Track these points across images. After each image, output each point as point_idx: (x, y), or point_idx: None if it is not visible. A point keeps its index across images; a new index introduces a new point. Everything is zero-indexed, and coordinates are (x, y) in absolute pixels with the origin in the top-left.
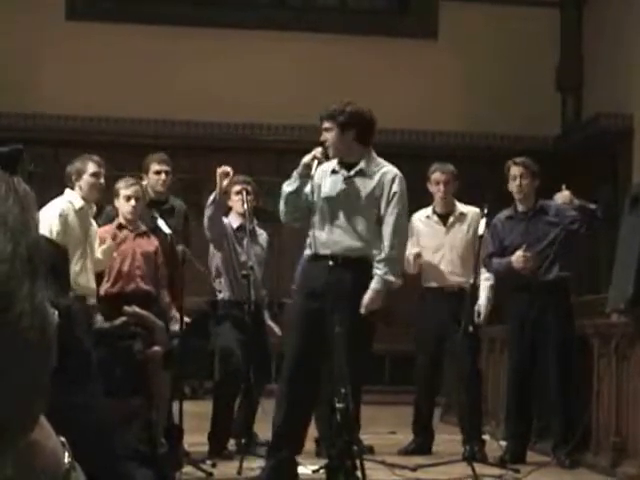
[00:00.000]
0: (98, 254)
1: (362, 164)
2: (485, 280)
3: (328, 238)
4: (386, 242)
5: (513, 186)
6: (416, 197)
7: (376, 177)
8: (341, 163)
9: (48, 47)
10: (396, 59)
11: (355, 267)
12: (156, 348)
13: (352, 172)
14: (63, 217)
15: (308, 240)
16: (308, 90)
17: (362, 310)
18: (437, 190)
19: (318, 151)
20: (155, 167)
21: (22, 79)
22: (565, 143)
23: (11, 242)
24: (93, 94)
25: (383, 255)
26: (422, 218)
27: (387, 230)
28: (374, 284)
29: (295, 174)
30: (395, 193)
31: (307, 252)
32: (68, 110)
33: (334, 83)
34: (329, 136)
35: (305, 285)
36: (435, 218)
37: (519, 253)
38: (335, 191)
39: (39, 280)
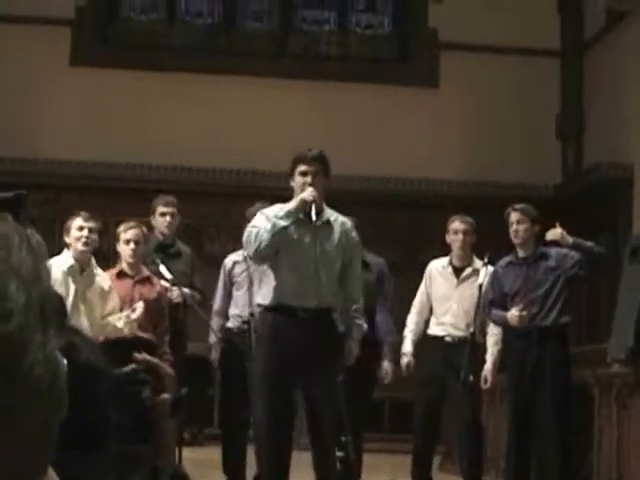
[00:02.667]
0: (116, 323)
1: (326, 212)
2: (493, 345)
3: (297, 288)
4: (356, 292)
5: (511, 232)
6: (414, 246)
7: (337, 226)
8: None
9: (52, 92)
10: (397, 107)
11: (325, 318)
12: (165, 396)
13: (319, 221)
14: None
15: (266, 288)
16: (309, 137)
17: (350, 361)
18: (455, 239)
19: (314, 191)
20: (160, 209)
21: (25, 124)
22: (565, 192)
23: (24, 292)
24: (95, 139)
25: (359, 305)
26: (438, 267)
27: (354, 279)
28: (357, 334)
29: (292, 210)
30: (358, 242)
31: (269, 300)
32: (71, 155)
33: (336, 130)
34: (318, 181)
35: (273, 338)
36: (449, 270)
37: (514, 312)
38: (305, 239)
39: (50, 329)
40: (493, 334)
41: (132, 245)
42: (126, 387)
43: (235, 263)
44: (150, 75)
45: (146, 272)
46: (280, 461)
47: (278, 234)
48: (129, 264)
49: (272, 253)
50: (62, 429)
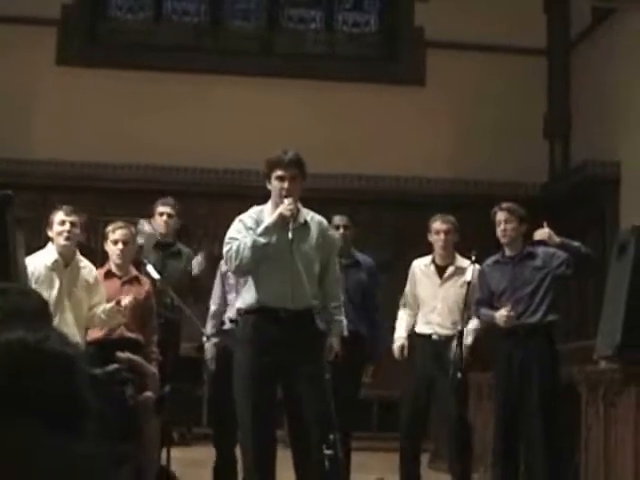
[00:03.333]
0: (101, 314)
1: (302, 213)
2: (472, 330)
3: (278, 291)
4: (335, 290)
5: (499, 231)
6: (404, 245)
7: (313, 226)
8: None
9: (38, 92)
10: (384, 105)
11: (307, 318)
12: (148, 394)
13: (297, 223)
14: (34, 275)
15: (247, 293)
16: (297, 137)
17: (331, 358)
18: (438, 239)
19: (292, 203)
20: (159, 209)
21: (12, 124)
22: (553, 190)
23: None
24: (83, 139)
25: (338, 302)
26: (421, 266)
27: (333, 278)
28: (338, 330)
29: (271, 226)
30: (334, 241)
31: (250, 304)
32: (58, 155)
33: (323, 129)
34: (295, 184)
35: (255, 338)
36: (432, 268)
37: (502, 312)
38: (284, 244)
39: None
40: (471, 330)
41: (120, 245)
42: (109, 386)
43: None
44: (137, 74)
45: (134, 272)
46: (265, 460)
47: (259, 251)
48: (117, 265)
49: (254, 267)
50: (41, 417)
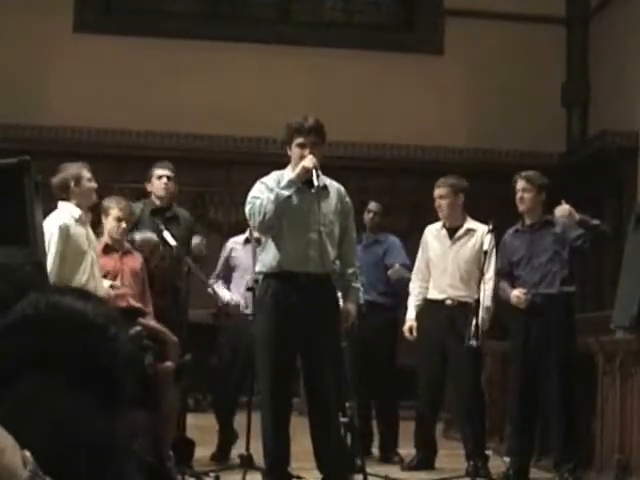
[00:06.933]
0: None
1: (321, 178)
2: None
3: (300, 254)
4: (352, 256)
5: (517, 199)
6: (419, 213)
7: (332, 191)
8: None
9: (55, 59)
10: (401, 74)
11: (326, 283)
12: (168, 363)
13: (316, 187)
14: (64, 229)
15: (267, 256)
16: (314, 105)
17: (348, 324)
18: (438, 205)
19: (314, 157)
20: (157, 172)
21: (28, 91)
22: (570, 160)
23: None
24: (99, 106)
25: (355, 268)
26: (433, 231)
27: (350, 244)
28: (355, 297)
29: (294, 178)
30: (351, 207)
31: (271, 267)
32: (74, 122)
33: (340, 98)
34: (316, 151)
35: (275, 304)
36: (443, 232)
37: (515, 292)
38: (306, 206)
39: None
40: (489, 295)
41: (123, 224)
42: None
43: (236, 245)
44: (153, 41)
45: (127, 245)
46: (283, 425)
47: (282, 204)
48: (115, 240)
49: (277, 223)
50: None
